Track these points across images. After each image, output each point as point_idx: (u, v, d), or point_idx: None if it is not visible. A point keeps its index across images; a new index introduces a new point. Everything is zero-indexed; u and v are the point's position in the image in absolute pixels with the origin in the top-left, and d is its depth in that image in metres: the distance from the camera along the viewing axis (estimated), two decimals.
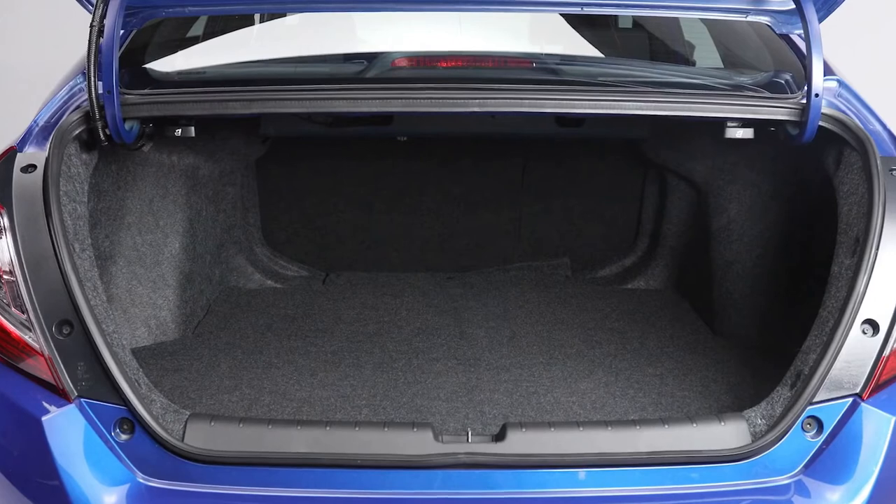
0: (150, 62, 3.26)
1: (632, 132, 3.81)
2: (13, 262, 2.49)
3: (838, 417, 2.47)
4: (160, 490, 2.40)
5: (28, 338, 2.47)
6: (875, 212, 2.58)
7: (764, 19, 2.95)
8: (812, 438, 2.47)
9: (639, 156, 4.04)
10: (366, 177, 4.33)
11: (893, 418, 2.47)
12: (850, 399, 2.48)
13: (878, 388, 2.49)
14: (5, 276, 2.49)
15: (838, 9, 2.85)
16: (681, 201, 3.96)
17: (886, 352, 2.49)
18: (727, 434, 2.47)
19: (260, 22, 3.72)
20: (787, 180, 3.41)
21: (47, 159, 2.61)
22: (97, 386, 2.44)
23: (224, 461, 2.41)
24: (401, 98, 2.74)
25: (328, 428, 2.46)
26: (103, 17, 2.65)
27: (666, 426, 2.48)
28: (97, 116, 2.68)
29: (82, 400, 2.44)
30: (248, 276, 4.00)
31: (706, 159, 3.71)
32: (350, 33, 3.73)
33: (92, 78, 2.64)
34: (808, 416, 2.47)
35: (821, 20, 2.78)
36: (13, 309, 2.48)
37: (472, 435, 2.47)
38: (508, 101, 2.75)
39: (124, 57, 2.92)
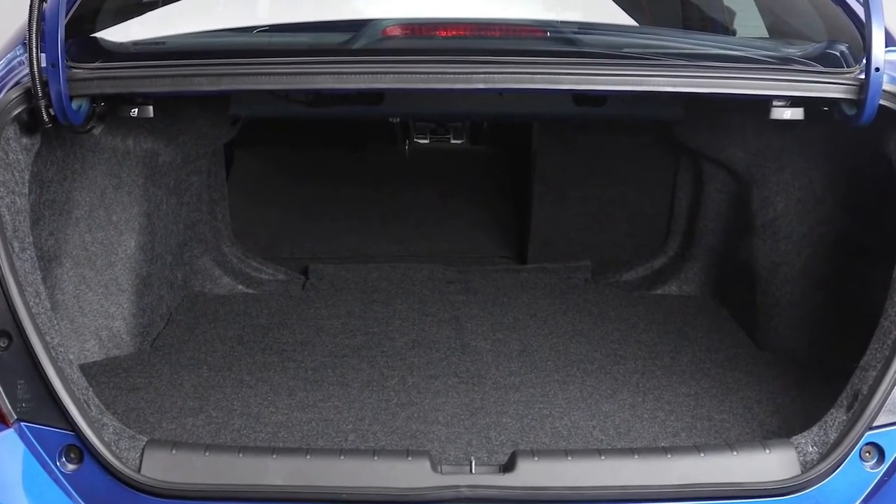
0: (101, 31, 3.26)
1: (662, 112, 3.81)
2: None
3: None
4: None
5: None
6: None
7: None
8: (872, 469, 2.48)
9: (670, 140, 4.03)
10: (352, 164, 4.34)
11: None
12: None
13: None
14: None
15: None
16: (719, 193, 3.96)
17: None
18: (773, 464, 2.47)
19: None
20: (843, 168, 3.41)
21: None
22: (40, 408, 2.44)
23: (187, 495, 2.40)
24: (393, 72, 2.74)
25: (309, 456, 2.46)
26: None
27: (701, 454, 2.48)
28: (40, 94, 2.67)
29: (23, 424, 2.44)
30: (216, 279, 4.00)
31: (749, 144, 3.71)
32: None
33: (34, 49, 2.64)
34: (868, 443, 2.47)
35: None
36: None
37: (475, 464, 2.46)
38: (518, 76, 2.75)
39: (72, 25, 2.92)
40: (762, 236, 3.64)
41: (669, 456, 2.48)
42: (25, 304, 2.48)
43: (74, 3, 3.10)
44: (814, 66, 2.93)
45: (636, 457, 2.47)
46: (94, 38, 3.16)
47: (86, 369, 2.98)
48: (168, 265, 3.72)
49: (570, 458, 2.46)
